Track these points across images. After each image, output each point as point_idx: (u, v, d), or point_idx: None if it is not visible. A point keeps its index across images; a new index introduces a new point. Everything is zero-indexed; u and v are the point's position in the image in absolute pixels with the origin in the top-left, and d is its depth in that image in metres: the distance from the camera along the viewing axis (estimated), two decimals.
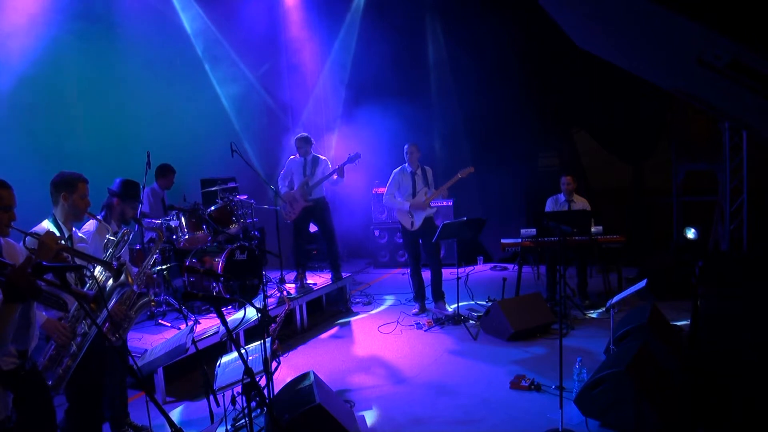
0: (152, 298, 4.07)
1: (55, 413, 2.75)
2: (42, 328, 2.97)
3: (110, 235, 3.57)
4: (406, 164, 6.61)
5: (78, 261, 2.99)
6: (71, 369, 3.00)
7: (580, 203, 6.70)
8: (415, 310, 6.72)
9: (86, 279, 3.21)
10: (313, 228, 7.37)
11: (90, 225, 3.73)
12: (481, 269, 9.06)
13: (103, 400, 3.72)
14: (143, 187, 5.43)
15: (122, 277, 3.14)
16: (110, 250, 3.45)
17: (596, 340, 5.40)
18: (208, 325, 5.32)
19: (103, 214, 3.88)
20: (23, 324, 2.47)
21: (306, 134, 6.89)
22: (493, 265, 9.20)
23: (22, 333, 2.47)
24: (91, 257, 3.04)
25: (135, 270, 4.05)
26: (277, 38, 9.55)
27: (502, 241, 6.77)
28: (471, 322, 6.13)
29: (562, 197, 6.75)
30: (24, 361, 2.50)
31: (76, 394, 3.28)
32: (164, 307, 5.77)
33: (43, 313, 2.99)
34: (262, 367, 3.70)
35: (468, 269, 8.77)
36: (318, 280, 7.01)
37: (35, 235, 2.74)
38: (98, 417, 3.53)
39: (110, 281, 3.25)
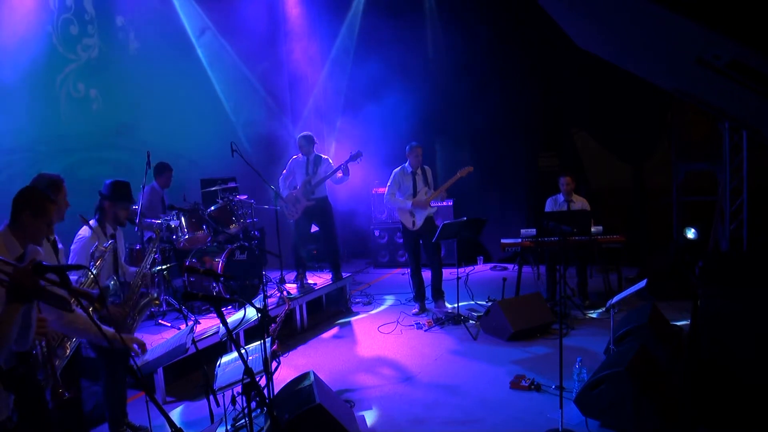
0: (155, 296, 4.06)
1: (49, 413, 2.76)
2: None
3: (101, 245, 3.57)
4: (407, 164, 6.61)
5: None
6: (59, 369, 3.01)
7: (579, 203, 6.70)
8: (415, 310, 6.71)
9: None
10: (313, 228, 7.37)
11: (84, 231, 3.73)
12: (481, 269, 9.05)
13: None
14: (143, 187, 5.43)
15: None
16: (97, 262, 3.45)
17: (596, 340, 5.40)
18: (208, 325, 5.33)
19: (96, 217, 3.86)
20: (24, 325, 2.46)
21: (309, 133, 6.89)
22: (493, 265, 9.19)
23: (23, 334, 2.47)
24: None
25: (133, 269, 4.06)
26: (277, 37, 9.55)
27: (502, 241, 6.76)
28: (471, 322, 6.13)
29: (561, 197, 6.75)
30: (23, 362, 2.50)
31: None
32: (164, 307, 5.77)
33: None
34: (262, 367, 3.69)
35: (468, 269, 8.76)
36: (318, 280, 7.01)
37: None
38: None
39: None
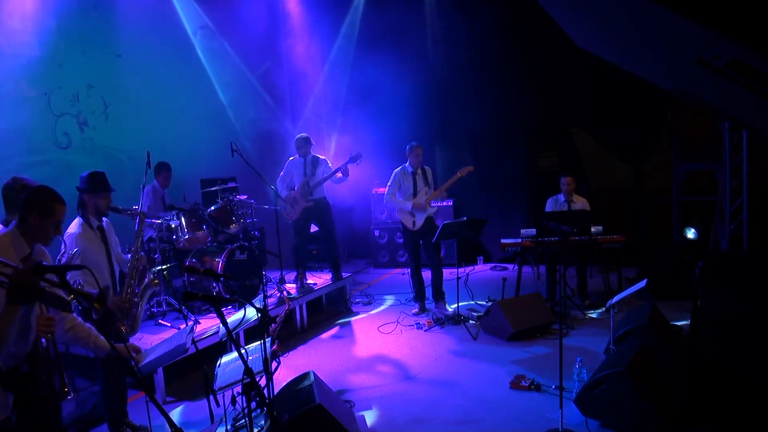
0: (153, 277, 4.07)
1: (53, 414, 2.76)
2: None
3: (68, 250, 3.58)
4: (407, 164, 6.61)
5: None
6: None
7: (580, 203, 6.70)
8: (415, 310, 6.71)
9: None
10: (313, 228, 7.36)
11: (73, 227, 3.73)
12: (481, 269, 9.05)
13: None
14: (143, 187, 5.43)
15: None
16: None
17: (596, 340, 5.40)
18: (208, 325, 5.33)
19: (79, 213, 3.84)
20: (25, 326, 2.46)
21: (306, 135, 6.88)
22: (493, 265, 9.19)
23: (23, 335, 2.47)
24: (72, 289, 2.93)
25: (128, 257, 4.08)
26: (277, 37, 9.55)
27: (502, 241, 6.76)
28: (471, 322, 6.13)
29: (561, 197, 6.75)
30: (27, 362, 2.51)
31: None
32: (164, 307, 5.77)
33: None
34: (262, 367, 3.69)
35: (468, 269, 8.76)
36: (318, 280, 7.01)
37: None
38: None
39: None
